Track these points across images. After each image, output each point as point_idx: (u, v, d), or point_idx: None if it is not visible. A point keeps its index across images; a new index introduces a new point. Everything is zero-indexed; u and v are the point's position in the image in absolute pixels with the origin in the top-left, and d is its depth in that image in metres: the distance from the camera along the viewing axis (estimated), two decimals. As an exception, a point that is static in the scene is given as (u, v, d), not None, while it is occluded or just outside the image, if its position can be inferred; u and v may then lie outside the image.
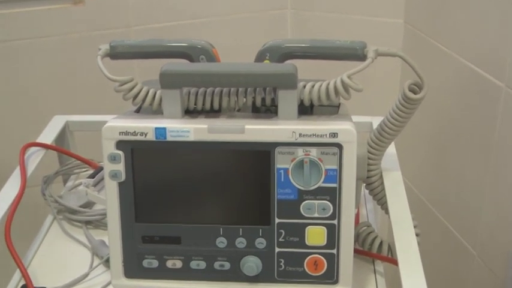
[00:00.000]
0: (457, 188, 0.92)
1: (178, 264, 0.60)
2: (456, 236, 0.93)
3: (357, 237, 0.67)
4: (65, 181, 0.83)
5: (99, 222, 0.74)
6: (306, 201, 0.57)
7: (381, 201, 0.66)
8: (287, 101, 0.57)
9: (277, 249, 0.59)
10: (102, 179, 0.77)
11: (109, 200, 0.59)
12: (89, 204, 0.77)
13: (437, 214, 0.98)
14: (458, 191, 0.92)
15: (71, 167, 0.83)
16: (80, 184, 0.80)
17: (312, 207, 0.58)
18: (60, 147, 0.82)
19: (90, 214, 0.74)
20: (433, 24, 0.95)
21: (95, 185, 0.75)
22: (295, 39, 0.64)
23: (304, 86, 0.59)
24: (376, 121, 0.78)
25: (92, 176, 0.77)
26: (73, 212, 0.75)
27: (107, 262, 0.67)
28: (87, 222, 0.74)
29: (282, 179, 0.57)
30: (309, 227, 0.58)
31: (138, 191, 0.59)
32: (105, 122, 0.59)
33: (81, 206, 0.75)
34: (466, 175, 0.89)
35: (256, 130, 0.56)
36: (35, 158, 0.75)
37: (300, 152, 0.57)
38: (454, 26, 0.89)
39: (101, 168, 0.78)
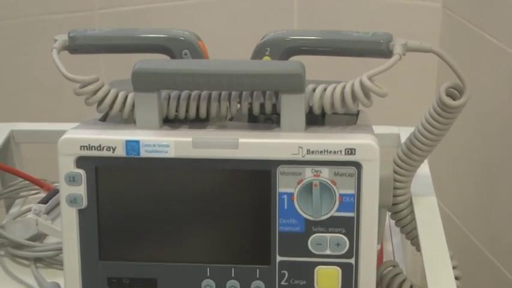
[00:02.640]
0: None
1: (154, 314, 0.61)
2: (510, 280, 0.93)
3: (380, 280, 0.68)
4: (8, 207, 0.84)
5: (53, 260, 0.75)
6: (316, 235, 0.59)
7: (411, 234, 0.67)
8: (292, 108, 0.59)
9: (278, 296, 0.60)
10: (58, 204, 0.77)
11: (66, 232, 0.60)
12: (39, 237, 0.77)
13: (486, 252, 0.99)
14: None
15: (16, 188, 0.84)
16: (28, 211, 0.81)
17: (323, 242, 0.59)
18: (3, 163, 0.83)
19: (41, 249, 0.75)
20: (479, 8, 0.97)
21: (47, 213, 0.76)
22: (302, 30, 0.65)
23: (314, 90, 0.60)
24: (404, 133, 0.79)
25: (43, 201, 0.77)
26: (19, 246, 0.76)
27: (62, 311, 0.67)
28: (37, 260, 0.75)
29: (286, 206, 0.58)
30: (319, 267, 0.59)
31: (104, 221, 0.60)
32: (61, 133, 0.60)
33: (29, 239, 0.76)
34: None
35: (253, 145, 0.58)
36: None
37: (308, 173, 0.58)
38: (505, 11, 0.90)
39: (56, 191, 0.79)
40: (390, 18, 1.09)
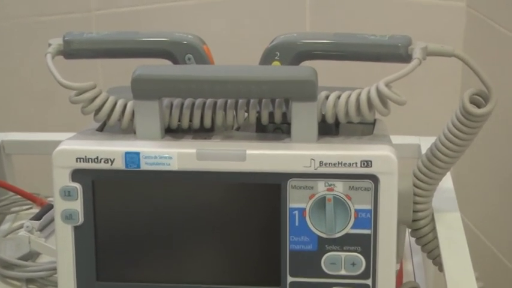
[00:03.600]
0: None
1: (155, 339, 0.61)
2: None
3: (399, 303, 0.68)
4: (-1, 223, 0.85)
5: (46, 281, 0.75)
6: (329, 254, 0.59)
7: (433, 253, 0.67)
8: (303, 117, 0.59)
9: (289, 320, 0.60)
10: (52, 221, 0.78)
11: (61, 250, 0.60)
12: (31, 256, 0.78)
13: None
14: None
15: (7, 204, 0.84)
16: (20, 228, 0.81)
17: (337, 261, 0.59)
18: (-7, 176, 0.84)
19: (34, 269, 0.75)
20: (506, 8, 0.96)
21: (41, 230, 0.77)
22: (314, 33, 0.66)
23: (327, 97, 0.61)
24: (425, 143, 0.80)
25: (37, 217, 0.78)
26: (9, 266, 0.76)
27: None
28: (29, 281, 0.75)
29: (297, 223, 0.59)
30: (334, 288, 0.60)
31: (101, 239, 0.60)
32: (55, 143, 0.60)
33: (20, 258, 0.76)
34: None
35: (261, 156, 0.58)
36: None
37: (320, 187, 0.58)
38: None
39: (50, 207, 0.79)
40: (409, 19, 1.09)
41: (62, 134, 0.70)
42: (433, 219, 0.67)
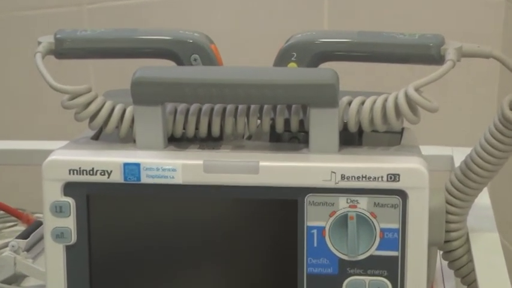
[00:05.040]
0: None
1: None
2: None
3: (430, 334, 0.68)
4: (-20, 242, 0.85)
5: (33, 307, 0.76)
6: (352, 278, 0.59)
7: (468, 278, 0.68)
8: (323, 124, 0.60)
9: None
10: (40, 240, 0.78)
11: (51, 273, 0.61)
12: (16, 279, 0.78)
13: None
14: None
15: (-11, 221, 0.86)
16: (4, 247, 0.82)
17: (360, 286, 0.59)
18: (-26, 190, 0.84)
19: (19, 294, 0.76)
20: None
21: (28, 250, 0.77)
22: (335, 31, 0.66)
23: (349, 103, 0.61)
24: (458, 155, 0.80)
25: (23, 236, 0.78)
26: (-8, 290, 0.77)
27: None
28: (14, 307, 0.76)
29: (316, 244, 0.59)
30: (356, 317, 0.60)
31: (96, 259, 0.61)
32: (44, 153, 0.61)
33: (4, 281, 0.76)
34: None
35: (276, 169, 0.58)
36: None
37: (342, 203, 0.59)
38: None
39: (39, 224, 0.80)
40: (441, 16, 1.08)
41: (53, 143, 0.70)
42: (467, 240, 0.67)
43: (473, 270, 0.65)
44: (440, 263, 0.76)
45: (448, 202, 0.65)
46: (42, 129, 1.01)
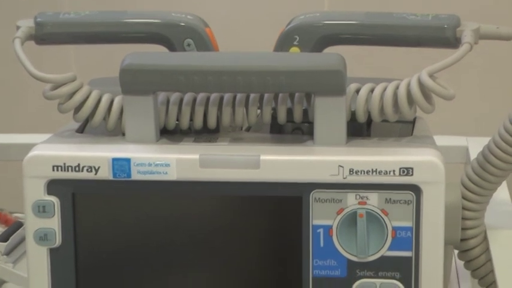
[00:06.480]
0: None
1: None
2: None
3: None
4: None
5: (13, 315, 0.76)
6: (361, 281, 0.59)
7: (486, 279, 0.68)
8: (329, 114, 0.59)
9: None
10: (21, 242, 0.78)
11: (33, 278, 0.61)
12: (-5, 285, 0.78)
13: None
14: None
15: (-36, 221, 0.85)
16: (-19, 251, 0.82)
17: (371, 290, 0.59)
18: None
19: (-1, 301, 0.76)
20: None
21: (7, 254, 0.77)
22: (341, 13, 0.65)
23: (357, 91, 0.61)
24: (474, 145, 0.80)
25: (2, 238, 0.78)
26: (-31, 297, 0.76)
27: None
28: (-7, 315, 0.76)
29: (322, 244, 0.59)
30: (367, 323, 0.60)
31: (83, 263, 0.61)
32: (25, 147, 0.61)
33: (-18, 288, 0.77)
34: None
35: (278, 163, 0.58)
36: None
37: (350, 200, 0.58)
38: None
39: (19, 225, 0.80)
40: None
41: (34, 136, 0.70)
42: (485, 239, 0.67)
43: (491, 271, 0.66)
44: (455, 263, 0.77)
45: (464, 197, 0.65)
46: (22, 122, 1.01)
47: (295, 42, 0.64)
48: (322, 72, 0.58)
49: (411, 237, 0.58)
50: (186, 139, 0.61)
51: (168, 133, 0.62)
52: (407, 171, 0.57)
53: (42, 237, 0.60)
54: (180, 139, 0.61)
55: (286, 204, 0.59)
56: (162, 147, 0.60)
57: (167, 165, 0.58)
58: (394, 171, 0.57)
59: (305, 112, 0.62)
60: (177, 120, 0.62)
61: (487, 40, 0.63)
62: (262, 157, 0.58)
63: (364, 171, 0.57)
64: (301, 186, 0.58)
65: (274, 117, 0.62)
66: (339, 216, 0.58)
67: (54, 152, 0.59)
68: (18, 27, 0.66)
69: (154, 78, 0.59)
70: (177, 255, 0.60)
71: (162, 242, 0.60)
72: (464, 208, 0.65)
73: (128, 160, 0.59)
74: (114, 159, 0.59)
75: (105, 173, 0.59)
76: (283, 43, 0.65)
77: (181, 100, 0.62)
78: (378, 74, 0.64)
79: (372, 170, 0.57)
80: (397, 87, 0.60)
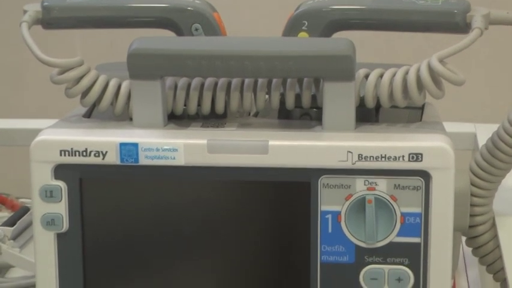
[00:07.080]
0: None
1: None
2: None
3: (453, 327, 0.69)
4: (-39, 230, 0.85)
5: (20, 300, 0.76)
6: (370, 267, 0.59)
7: (493, 266, 0.68)
8: (338, 100, 0.59)
9: None
10: (28, 227, 0.79)
11: (40, 262, 0.61)
12: (1, 269, 0.78)
13: None
14: None
15: (-30, 206, 0.85)
16: (-13, 235, 0.82)
17: (379, 276, 0.59)
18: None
19: (5, 285, 0.76)
20: None
21: (14, 238, 0.77)
22: None
23: (366, 76, 0.61)
24: (483, 132, 0.80)
25: (9, 223, 0.78)
26: (-24, 282, 0.77)
27: None
28: (0, 300, 0.76)
29: (330, 230, 0.59)
30: (375, 309, 0.60)
31: (90, 248, 0.61)
32: (31, 132, 0.61)
33: (-12, 272, 0.77)
34: None
35: (286, 148, 0.58)
36: None
37: (359, 186, 0.59)
38: None
39: (26, 210, 0.80)
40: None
41: (40, 121, 0.70)
42: (494, 225, 0.67)
43: (499, 257, 0.66)
44: (463, 249, 0.77)
45: (472, 184, 0.65)
46: (27, 107, 1.00)
47: (303, 27, 0.64)
48: (331, 57, 0.58)
49: (420, 224, 0.58)
50: (193, 124, 0.61)
51: (176, 118, 0.62)
52: (416, 157, 0.57)
53: (50, 222, 0.60)
54: (188, 124, 0.61)
55: (294, 189, 0.59)
56: (169, 132, 0.60)
57: (175, 150, 0.58)
58: (403, 156, 0.57)
59: (313, 97, 0.62)
60: (185, 105, 0.62)
61: (496, 26, 0.63)
62: (271, 142, 0.58)
63: (373, 157, 0.57)
64: (309, 171, 0.58)
65: (282, 102, 0.62)
66: (348, 202, 0.59)
67: (62, 136, 0.59)
68: (25, 12, 0.66)
69: (162, 62, 0.59)
70: (184, 240, 0.60)
71: (170, 227, 0.60)
72: (472, 195, 0.65)
73: (135, 145, 0.59)
74: (122, 144, 0.59)
75: (113, 158, 0.59)
76: (292, 28, 0.65)
77: (189, 85, 0.62)
78: (387, 60, 0.64)
79: (381, 155, 0.57)
80: (406, 73, 0.60)
